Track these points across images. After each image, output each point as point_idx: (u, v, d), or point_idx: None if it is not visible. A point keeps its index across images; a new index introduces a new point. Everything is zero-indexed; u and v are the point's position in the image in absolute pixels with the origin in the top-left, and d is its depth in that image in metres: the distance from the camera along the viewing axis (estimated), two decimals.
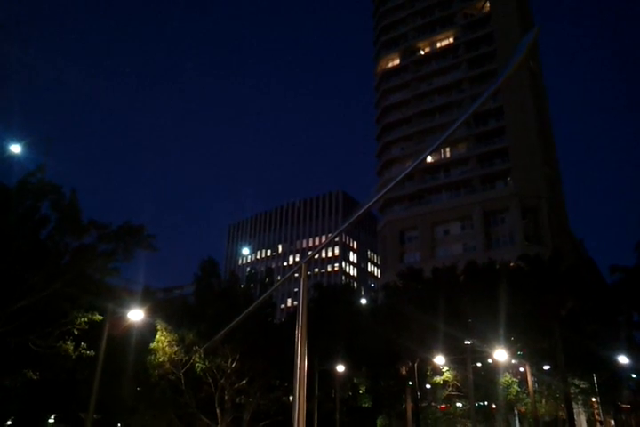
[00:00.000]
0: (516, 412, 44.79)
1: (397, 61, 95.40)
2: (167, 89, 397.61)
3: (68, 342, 23.66)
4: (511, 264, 43.76)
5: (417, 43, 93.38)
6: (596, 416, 52.36)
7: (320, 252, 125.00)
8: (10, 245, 21.65)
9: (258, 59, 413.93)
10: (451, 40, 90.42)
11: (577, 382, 41.64)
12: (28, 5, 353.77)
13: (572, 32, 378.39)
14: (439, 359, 38.37)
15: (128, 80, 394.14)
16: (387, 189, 2.82)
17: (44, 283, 21.89)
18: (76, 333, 23.84)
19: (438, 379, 41.11)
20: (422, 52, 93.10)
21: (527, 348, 38.42)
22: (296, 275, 5.51)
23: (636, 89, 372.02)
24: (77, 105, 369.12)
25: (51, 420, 35.76)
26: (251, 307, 6.62)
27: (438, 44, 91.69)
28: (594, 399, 47.17)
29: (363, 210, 3.30)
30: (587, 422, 55.68)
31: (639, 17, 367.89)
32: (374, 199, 3.27)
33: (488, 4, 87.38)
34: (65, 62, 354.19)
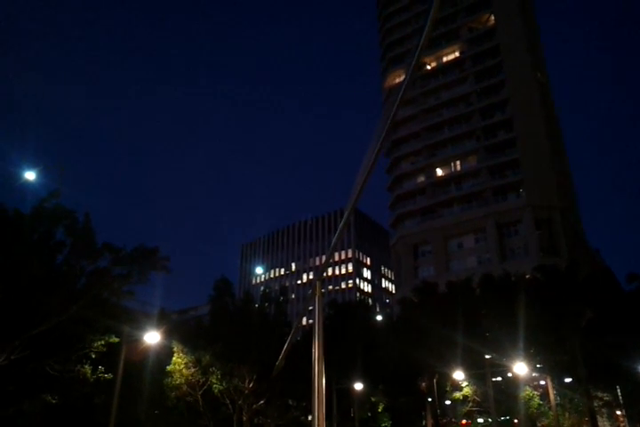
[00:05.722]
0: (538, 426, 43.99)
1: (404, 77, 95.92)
2: (178, 110, 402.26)
3: (86, 366, 23.77)
4: (527, 276, 43.34)
5: (423, 58, 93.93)
6: None
7: (334, 269, 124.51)
8: (26, 271, 21.86)
9: (267, 78, 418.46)
10: (457, 54, 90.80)
11: (600, 394, 40.84)
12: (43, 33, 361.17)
13: (580, 41, 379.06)
14: (458, 374, 37.91)
15: (138, 104, 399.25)
16: (394, 108, 2.34)
17: (60, 308, 22.05)
18: (93, 356, 23.95)
19: (458, 395, 40.59)
20: (429, 67, 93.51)
21: (547, 360, 37.87)
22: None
23: None
24: (88, 129, 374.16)
25: None
26: (293, 330, 6.52)
27: (445, 59, 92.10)
28: (619, 413, 46.18)
29: (367, 174, 2.66)
30: None
31: None
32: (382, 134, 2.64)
33: (493, 18, 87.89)
34: (75, 88, 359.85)
